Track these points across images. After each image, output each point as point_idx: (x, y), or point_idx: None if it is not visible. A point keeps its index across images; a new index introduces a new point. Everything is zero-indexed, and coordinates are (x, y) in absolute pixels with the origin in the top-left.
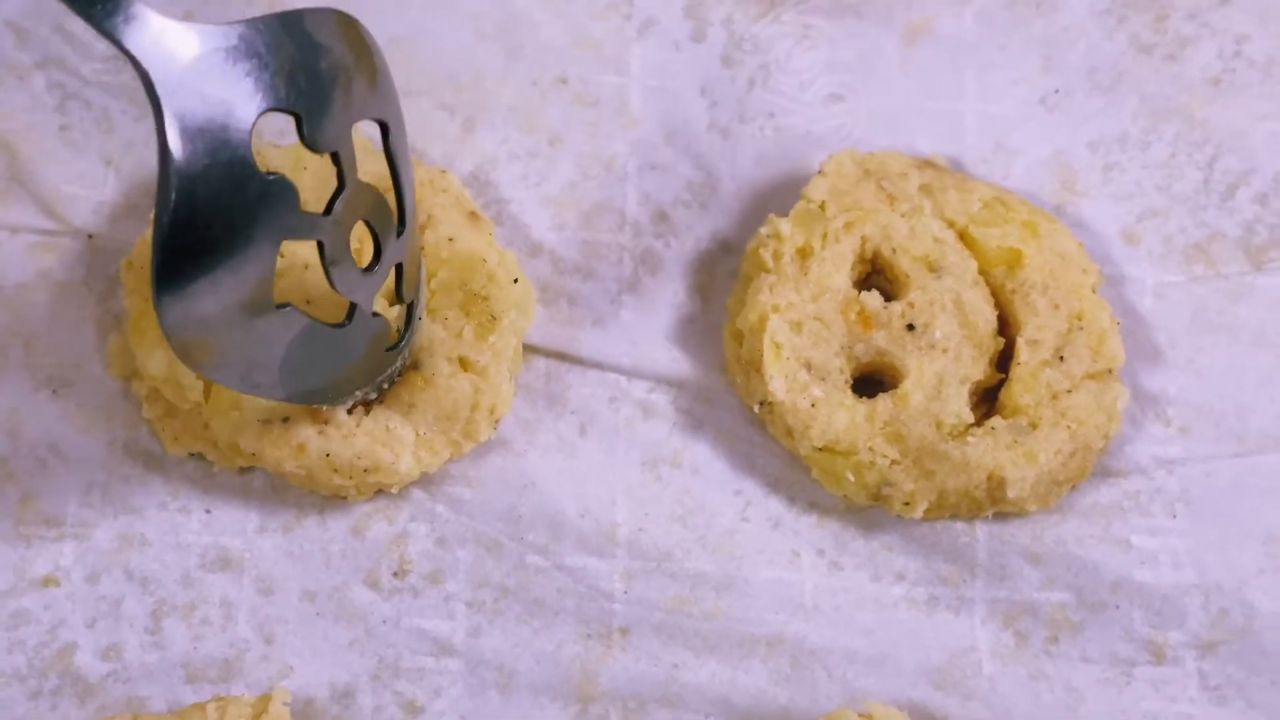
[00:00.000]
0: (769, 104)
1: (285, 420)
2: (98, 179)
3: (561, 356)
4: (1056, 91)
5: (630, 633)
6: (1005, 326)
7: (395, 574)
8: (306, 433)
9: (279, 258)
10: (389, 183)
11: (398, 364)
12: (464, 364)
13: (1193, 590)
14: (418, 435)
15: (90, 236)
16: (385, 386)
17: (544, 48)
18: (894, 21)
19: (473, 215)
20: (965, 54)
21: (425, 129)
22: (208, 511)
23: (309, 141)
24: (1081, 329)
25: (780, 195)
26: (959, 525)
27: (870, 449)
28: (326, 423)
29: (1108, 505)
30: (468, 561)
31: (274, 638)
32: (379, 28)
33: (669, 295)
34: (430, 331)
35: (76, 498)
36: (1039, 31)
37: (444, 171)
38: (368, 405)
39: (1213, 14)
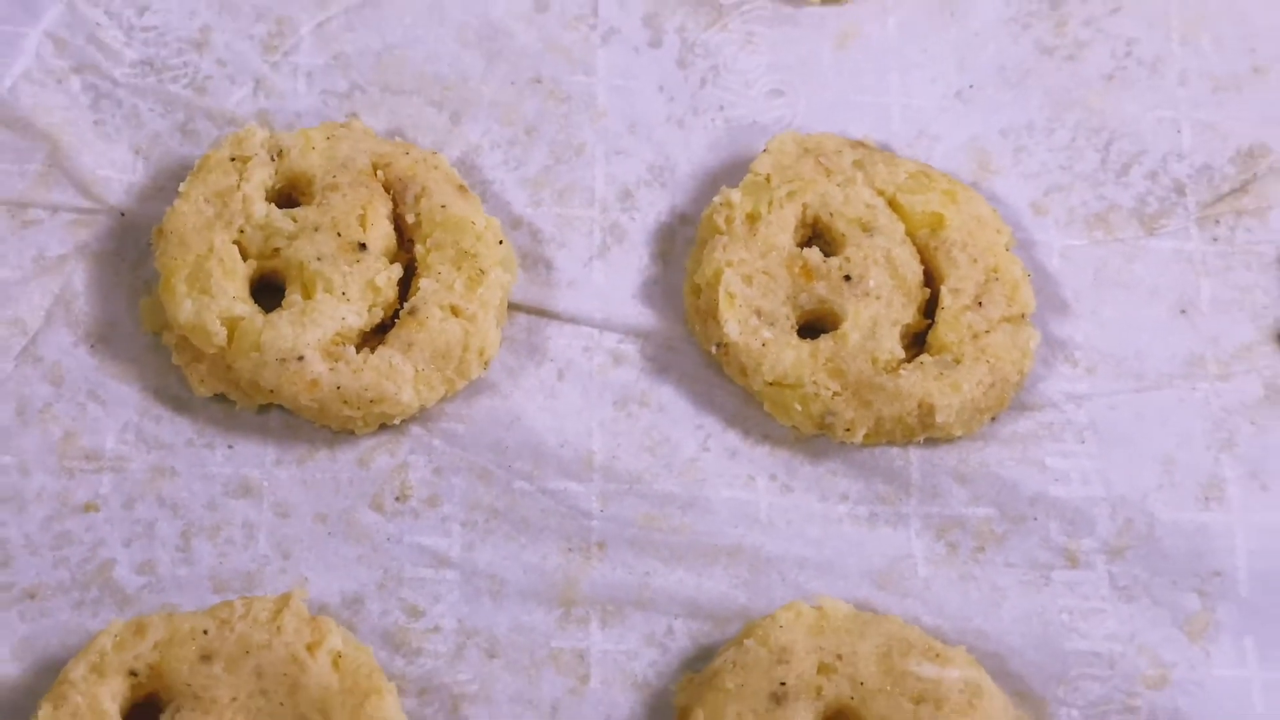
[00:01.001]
0: (719, 99)
1: (300, 359)
2: (128, 165)
3: (541, 313)
4: (971, 87)
5: (607, 546)
6: (931, 280)
7: (397, 499)
8: (319, 369)
9: (291, 222)
10: (381, 160)
11: None
12: (455, 311)
13: (1101, 503)
14: (416, 371)
15: (122, 214)
16: None
17: (520, 53)
18: (826, 29)
19: (461, 188)
20: (890, 56)
21: (417, 122)
22: (230, 447)
23: None
24: (997, 279)
25: (730, 175)
26: (894, 450)
27: (814, 382)
28: (337, 360)
29: (1025, 434)
30: (461, 487)
31: (291, 554)
32: (377, 37)
33: (634, 260)
34: (426, 284)
35: (113, 436)
36: (954, 36)
37: (435, 153)
38: (373, 345)
39: (1106, 20)
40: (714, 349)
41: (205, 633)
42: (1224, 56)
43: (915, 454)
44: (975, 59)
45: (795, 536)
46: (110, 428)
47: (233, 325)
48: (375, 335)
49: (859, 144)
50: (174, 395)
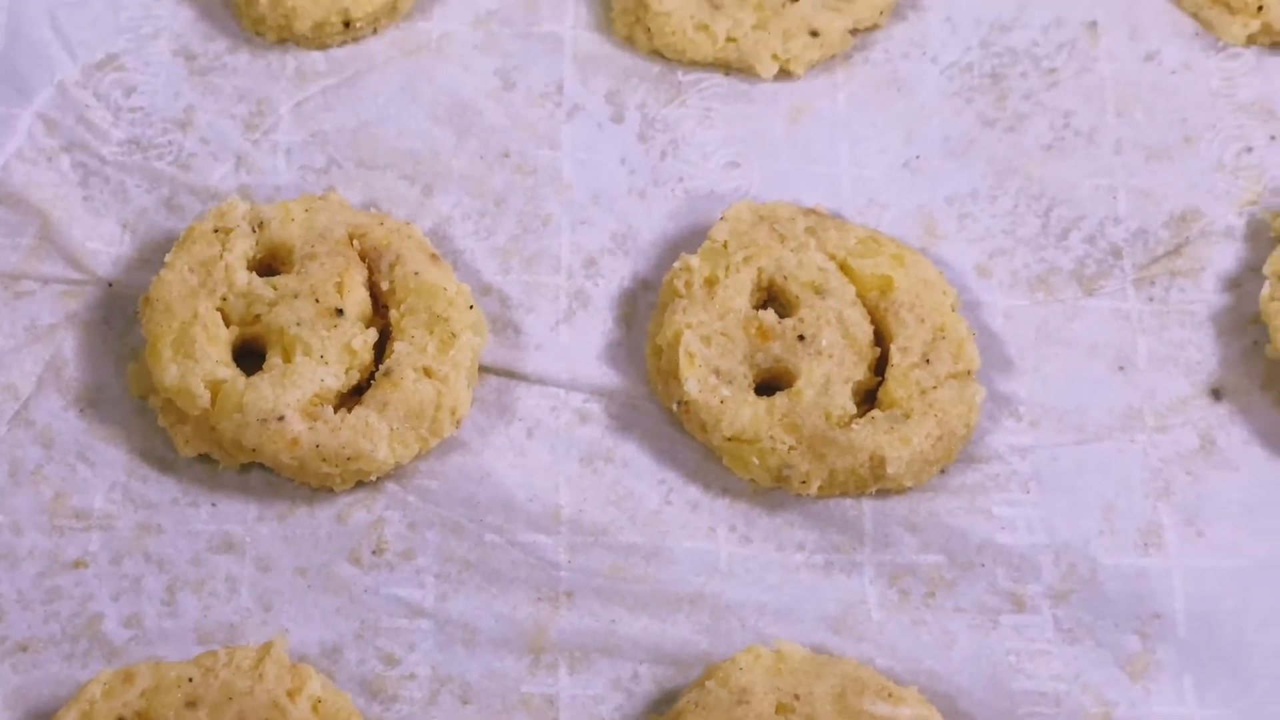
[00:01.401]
0: (678, 170)
1: (280, 419)
2: (115, 238)
3: (510, 374)
4: (917, 157)
5: (574, 595)
6: (880, 340)
7: (374, 552)
8: (299, 428)
9: (271, 289)
10: (357, 231)
11: None
12: (428, 373)
13: (1045, 549)
14: (391, 430)
15: (110, 284)
16: None
17: (489, 129)
18: (780, 104)
19: (433, 257)
20: (840, 129)
21: (391, 195)
22: (213, 505)
23: None
24: (944, 338)
25: (689, 243)
26: (848, 501)
27: (771, 437)
28: (316, 420)
29: (972, 485)
30: (435, 541)
31: (272, 606)
32: (352, 115)
33: (599, 324)
34: (400, 347)
35: (101, 495)
36: (900, 110)
37: (408, 223)
38: (350, 405)
39: (1044, 94)
40: (675, 407)
41: (190, 680)
42: (1156, 127)
43: (868, 505)
44: (921, 131)
45: (754, 584)
46: (99, 488)
47: (216, 388)
48: (352, 396)
49: (811, 211)
50: (159, 456)
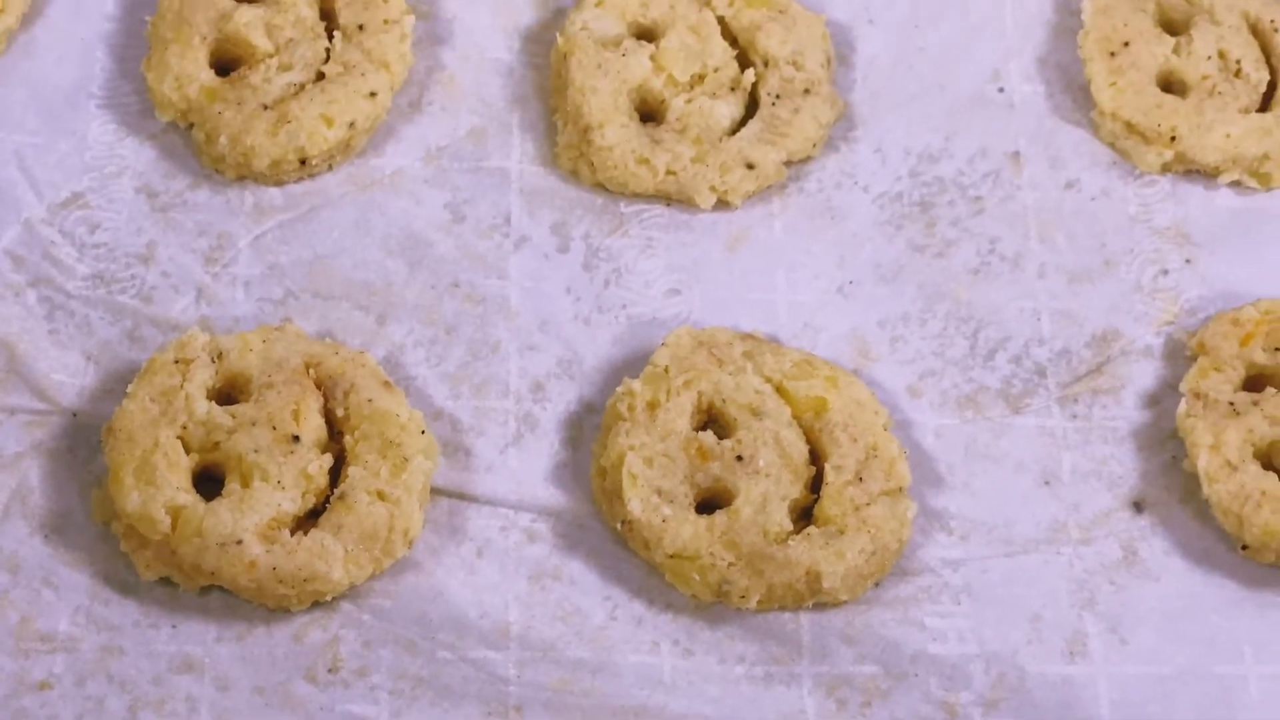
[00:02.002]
0: (621, 298)
1: (239, 543)
2: (80, 369)
3: (461, 496)
4: (850, 283)
5: (523, 709)
6: (816, 459)
7: (329, 670)
8: (257, 552)
9: (230, 418)
10: (313, 360)
11: None
12: (381, 496)
13: (976, 659)
14: (346, 551)
15: (74, 414)
16: None
17: (439, 260)
18: (718, 233)
19: (387, 384)
20: (776, 256)
21: (346, 324)
22: (174, 626)
23: None
24: (876, 457)
25: (632, 367)
26: (786, 615)
27: (711, 554)
28: (273, 543)
29: (905, 597)
30: (389, 658)
31: None
32: (308, 248)
33: (546, 447)
34: (354, 471)
35: (66, 619)
36: (834, 237)
37: (362, 352)
38: (306, 528)
39: (970, 221)
40: (619, 526)
41: None
42: (1077, 252)
43: (805, 618)
44: (854, 258)
45: (696, 696)
46: (63, 611)
47: (176, 514)
48: (308, 519)
49: (749, 336)
50: (122, 580)
